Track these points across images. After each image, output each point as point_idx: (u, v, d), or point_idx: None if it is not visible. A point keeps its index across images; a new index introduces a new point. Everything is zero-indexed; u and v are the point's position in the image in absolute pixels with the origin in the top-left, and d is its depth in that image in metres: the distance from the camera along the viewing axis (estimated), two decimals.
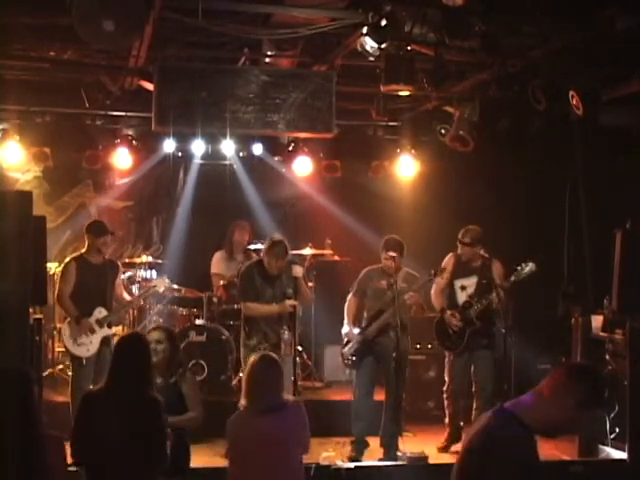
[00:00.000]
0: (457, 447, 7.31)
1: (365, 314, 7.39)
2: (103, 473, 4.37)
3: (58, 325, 7.66)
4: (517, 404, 3.15)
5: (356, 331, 7.31)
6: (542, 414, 3.08)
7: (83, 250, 7.55)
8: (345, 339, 7.40)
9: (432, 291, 7.54)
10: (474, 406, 7.44)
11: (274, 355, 5.32)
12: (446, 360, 7.72)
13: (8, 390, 3.99)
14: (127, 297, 7.86)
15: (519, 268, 7.13)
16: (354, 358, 7.30)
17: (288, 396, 5.26)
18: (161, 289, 8.22)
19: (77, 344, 7.26)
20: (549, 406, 3.09)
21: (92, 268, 7.43)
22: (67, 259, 7.64)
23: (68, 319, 7.37)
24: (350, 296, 7.47)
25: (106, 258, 7.59)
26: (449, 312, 7.48)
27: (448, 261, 7.62)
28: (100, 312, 7.36)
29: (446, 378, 7.69)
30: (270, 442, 4.80)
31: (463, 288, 7.50)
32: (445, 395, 7.66)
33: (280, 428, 4.87)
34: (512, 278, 7.17)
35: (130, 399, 4.41)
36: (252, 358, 5.16)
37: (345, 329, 7.39)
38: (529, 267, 7.10)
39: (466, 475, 3.11)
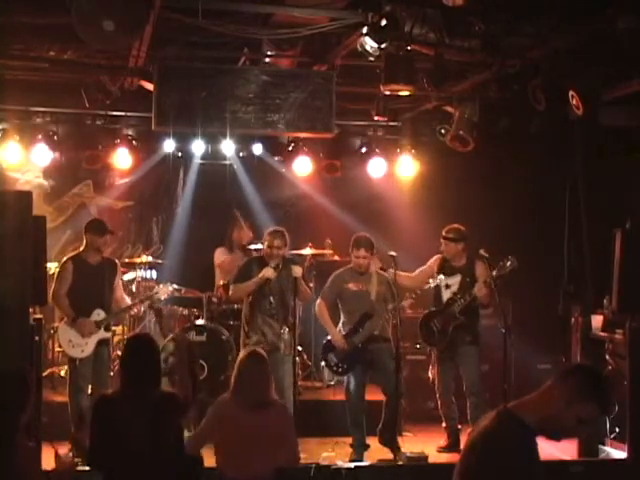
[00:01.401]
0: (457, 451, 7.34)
1: (343, 316, 7.35)
2: (126, 475, 4.36)
3: (55, 324, 7.56)
4: (519, 405, 3.15)
5: (343, 333, 7.26)
6: (541, 414, 3.09)
7: (81, 249, 7.46)
8: (328, 344, 7.34)
9: (415, 272, 7.55)
10: (468, 403, 7.44)
11: (262, 352, 5.31)
12: (432, 359, 7.74)
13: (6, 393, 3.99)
14: (127, 299, 7.78)
15: (501, 263, 7.15)
16: (345, 366, 7.27)
17: (275, 395, 5.26)
18: (163, 297, 8.16)
19: (72, 345, 7.17)
20: (545, 406, 3.09)
21: (90, 268, 7.33)
22: (64, 258, 7.56)
23: (65, 319, 7.30)
24: (320, 302, 7.38)
25: (104, 257, 7.53)
26: (433, 310, 7.52)
27: (434, 262, 7.66)
28: (98, 314, 7.26)
29: (429, 375, 7.74)
30: (253, 438, 4.82)
31: (447, 287, 7.51)
32: (437, 394, 7.66)
33: (264, 426, 4.90)
34: (494, 273, 7.17)
35: (149, 399, 4.42)
36: (241, 353, 5.18)
37: (330, 336, 7.32)
38: (510, 262, 7.10)
39: (467, 475, 3.11)
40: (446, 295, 7.50)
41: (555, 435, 3.14)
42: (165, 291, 8.08)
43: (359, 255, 7.18)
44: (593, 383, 3.12)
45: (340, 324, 7.35)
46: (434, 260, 7.67)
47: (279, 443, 5.01)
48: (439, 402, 7.67)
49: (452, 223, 7.63)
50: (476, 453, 3.08)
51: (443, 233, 7.54)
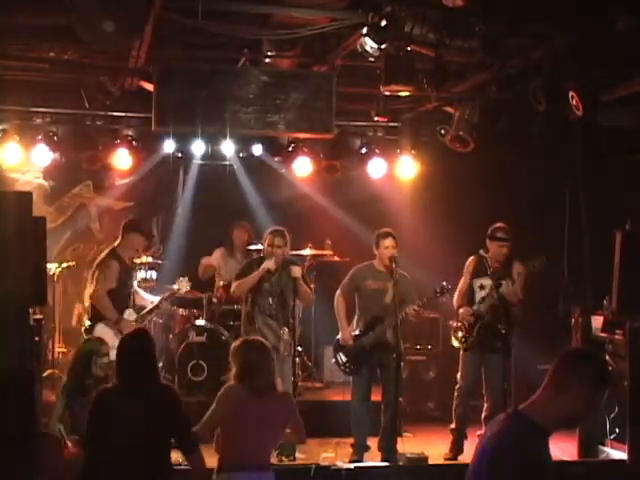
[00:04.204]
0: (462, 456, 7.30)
1: (358, 314, 7.36)
2: (121, 467, 4.37)
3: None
4: (530, 405, 3.12)
5: (355, 333, 7.27)
6: (558, 409, 3.06)
7: (117, 246, 7.44)
8: (339, 343, 7.36)
9: (455, 294, 7.47)
10: (485, 406, 7.38)
11: (262, 340, 5.34)
12: (460, 359, 7.54)
13: (10, 389, 4.00)
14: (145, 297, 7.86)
15: (530, 262, 7.13)
16: (352, 366, 7.28)
17: (277, 381, 5.27)
18: (183, 291, 8.06)
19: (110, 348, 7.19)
20: (563, 399, 3.05)
21: (126, 268, 7.43)
22: (106, 255, 7.49)
23: (101, 324, 7.20)
24: (338, 295, 7.39)
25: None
26: (463, 309, 7.44)
27: (469, 264, 7.57)
28: (130, 315, 7.35)
29: (458, 376, 7.54)
30: (259, 423, 4.85)
31: (482, 287, 7.41)
32: (456, 394, 7.49)
33: (270, 410, 4.92)
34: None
35: (147, 392, 4.46)
36: (240, 342, 5.14)
37: (340, 334, 7.34)
38: (539, 262, 7.09)
39: (479, 478, 3.09)
40: (479, 295, 7.42)
41: (572, 424, 3.14)
42: (185, 285, 7.98)
43: (388, 245, 7.17)
44: (595, 362, 3.14)
45: (354, 320, 7.36)
46: (468, 264, 7.58)
47: (282, 428, 5.05)
48: (455, 402, 7.48)
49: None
50: (487, 457, 3.05)
51: (497, 234, 7.41)
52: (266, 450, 4.99)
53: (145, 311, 7.63)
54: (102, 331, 7.16)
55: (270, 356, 5.08)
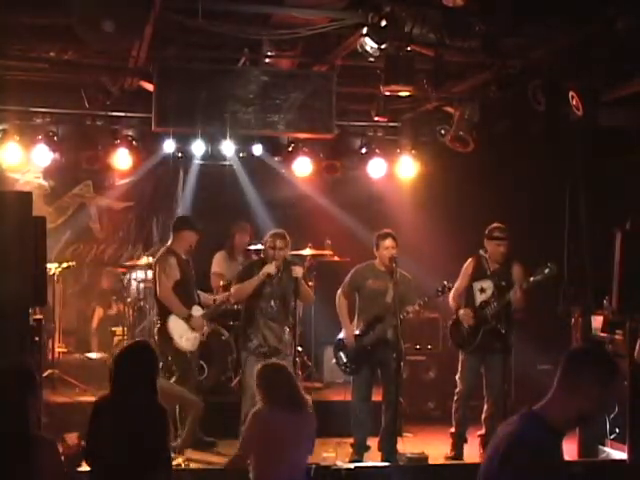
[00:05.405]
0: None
1: (358, 313, 7.35)
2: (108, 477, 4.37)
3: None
4: (544, 407, 3.11)
5: (356, 332, 7.27)
6: (570, 409, 3.05)
7: (172, 244, 7.49)
8: (340, 343, 7.36)
9: (450, 294, 7.41)
10: (485, 407, 7.36)
11: (278, 362, 5.52)
12: (459, 362, 7.53)
13: (10, 389, 3.99)
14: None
15: (539, 269, 7.08)
16: (353, 366, 7.28)
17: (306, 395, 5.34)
18: None
19: (184, 339, 7.29)
20: (574, 399, 3.05)
21: (186, 264, 7.48)
22: (162, 253, 7.53)
23: (173, 316, 7.30)
24: (340, 295, 7.39)
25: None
26: (463, 310, 7.40)
27: (468, 265, 7.54)
28: (197, 310, 7.40)
29: (457, 379, 7.51)
30: (294, 439, 4.93)
31: (482, 290, 7.37)
32: (455, 397, 7.46)
33: (304, 425, 5.03)
34: (531, 278, 7.10)
35: (140, 407, 4.43)
36: (260, 367, 5.25)
37: (343, 333, 7.34)
38: (549, 269, 7.02)
39: (492, 479, 3.08)
40: (480, 298, 7.37)
41: (585, 423, 3.14)
42: None
43: (388, 245, 7.17)
44: (602, 360, 3.14)
45: (355, 320, 7.35)
46: (467, 266, 7.55)
47: (311, 442, 5.11)
48: (454, 405, 7.47)
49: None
50: (501, 457, 3.04)
51: (494, 234, 7.39)
52: (301, 466, 5.03)
53: (211, 309, 7.71)
54: (174, 324, 7.28)
55: (289, 373, 5.18)
